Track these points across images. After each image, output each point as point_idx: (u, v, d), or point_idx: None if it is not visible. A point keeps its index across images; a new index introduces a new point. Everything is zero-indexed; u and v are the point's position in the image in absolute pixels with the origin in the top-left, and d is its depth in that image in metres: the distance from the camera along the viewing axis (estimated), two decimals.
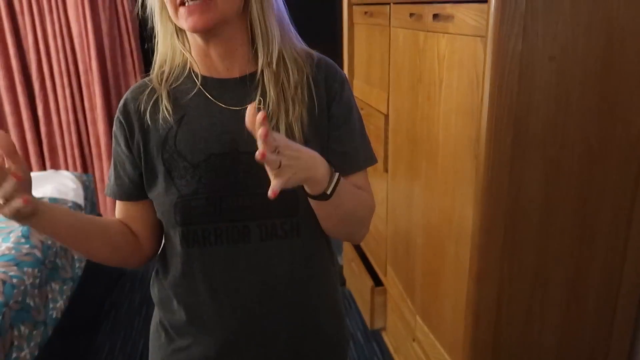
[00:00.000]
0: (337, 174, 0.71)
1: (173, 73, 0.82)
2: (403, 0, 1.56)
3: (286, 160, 0.62)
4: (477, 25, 1.13)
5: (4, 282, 1.53)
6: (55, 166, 2.97)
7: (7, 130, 2.88)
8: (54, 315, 1.74)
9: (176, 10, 0.73)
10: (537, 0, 1.04)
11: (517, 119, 1.11)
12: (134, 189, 0.84)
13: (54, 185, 2.26)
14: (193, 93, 0.80)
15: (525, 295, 1.27)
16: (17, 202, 0.63)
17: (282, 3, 0.81)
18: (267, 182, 0.78)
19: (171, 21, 0.78)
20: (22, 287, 1.58)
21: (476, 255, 1.23)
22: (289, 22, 0.82)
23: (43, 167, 2.97)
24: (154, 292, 0.91)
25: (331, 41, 2.67)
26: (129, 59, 2.87)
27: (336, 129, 0.81)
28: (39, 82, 2.82)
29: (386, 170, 1.88)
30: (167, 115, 0.79)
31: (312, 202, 0.74)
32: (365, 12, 1.98)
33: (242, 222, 0.79)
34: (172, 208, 0.78)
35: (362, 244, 2.33)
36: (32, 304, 1.61)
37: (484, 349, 1.30)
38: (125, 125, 0.81)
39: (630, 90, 1.14)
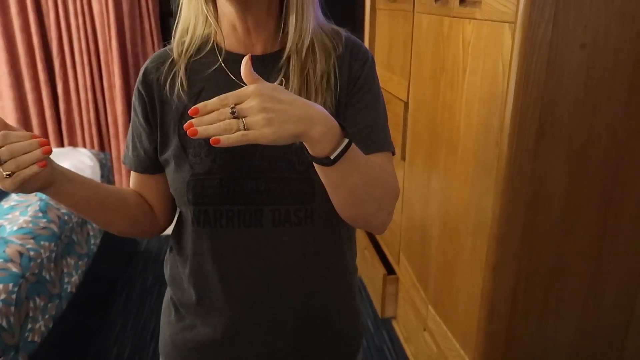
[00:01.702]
0: (346, 140, 0.62)
1: (194, 44, 0.78)
2: None
3: (256, 111, 0.56)
4: (505, 11, 1.10)
5: (21, 254, 1.55)
6: (73, 143, 3.00)
7: (27, 107, 2.91)
8: (68, 290, 1.77)
9: None
10: None
11: (543, 108, 1.09)
12: (149, 162, 0.82)
13: (71, 162, 2.28)
14: (214, 68, 0.77)
15: (541, 289, 1.25)
16: (31, 169, 0.61)
17: None
18: (284, 167, 0.75)
19: None
20: (39, 260, 1.60)
21: (494, 246, 1.21)
22: (317, 2, 0.79)
23: (61, 144, 2.99)
24: (167, 269, 0.91)
25: (353, 27, 2.64)
26: (148, 40, 2.87)
27: (353, 107, 0.78)
28: (59, 60, 2.83)
29: (403, 159, 1.87)
30: (182, 92, 0.76)
31: (316, 168, 0.65)
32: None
33: (255, 206, 0.77)
34: (184, 185, 0.77)
35: None
36: (47, 277, 1.63)
37: (498, 341, 1.29)
38: (145, 96, 0.79)
39: None
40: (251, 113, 0.56)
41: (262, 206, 0.77)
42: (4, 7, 2.73)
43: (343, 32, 0.81)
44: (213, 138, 0.56)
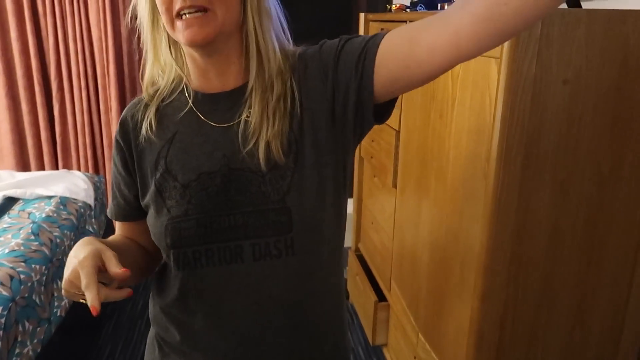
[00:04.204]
0: None
1: (166, 89, 0.80)
2: (420, 19, 1.58)
3: None
4: None
5: (11, 278, 1.55)
6: (68, 166, 3.01)
7: (22, 129, 2.93)
8: (58, 314, 1.75)
9: (172, 22, 0.70)
10: (553, 27, 1.05)
11: (529, 141, 1.12)
12: (131, 211, 0.84)
13: (65, 184, 2.29)
14: (185, 111, 0.78)
15: (529, 318, 1.26)
16: (118, 293, 0.69)
17: (276, 3, 0.78)
18: (258, 199, 0.75)
19: (165, 32, 0.76)
20: (29, 284, 1.60)
21: (481, 275, 1.23)
22: (280, 23, 0.78)
23: (56, 167, 3.00)
24: (150, 308, 0.91)
25: None
26: None
27: (344, 62, 0.74)
28: (57, 82, 2.87)
29: (395, 186, 1.89)
30: (153, 136, 0.78)
31: None
32: (382, 29, 2.01)
33: (234, 242, 0.76)
34: (162, 230, 0.76)
35: (368, 259, 2.32)
36: (37, 300, 1.63)
37: None
38: (123, 145, 0.80)
39: None
40: None
41: (241, 241, 0.76)
42: (3, 30, 2.78)
43: (298, 51, 0.80)
44: None
